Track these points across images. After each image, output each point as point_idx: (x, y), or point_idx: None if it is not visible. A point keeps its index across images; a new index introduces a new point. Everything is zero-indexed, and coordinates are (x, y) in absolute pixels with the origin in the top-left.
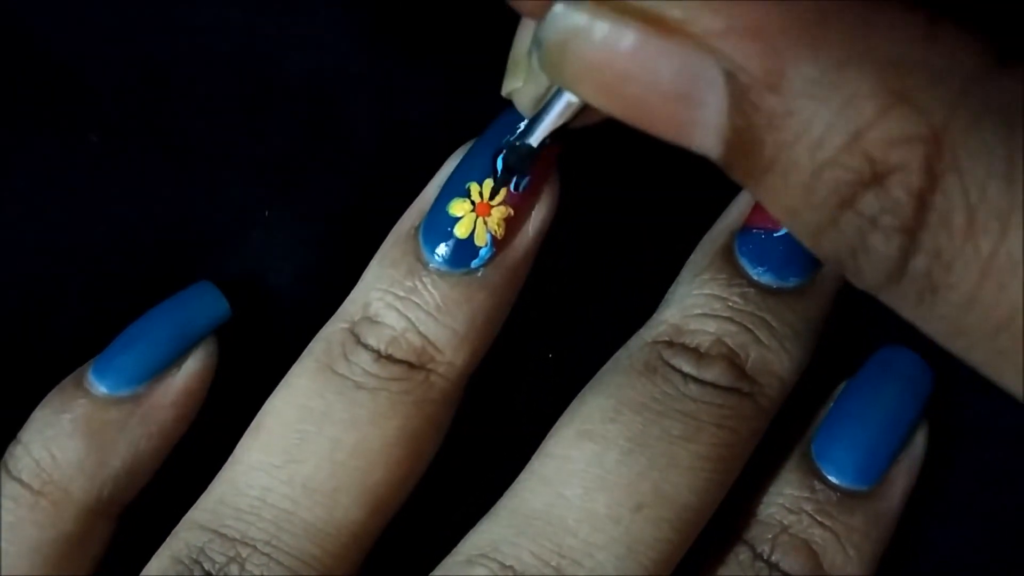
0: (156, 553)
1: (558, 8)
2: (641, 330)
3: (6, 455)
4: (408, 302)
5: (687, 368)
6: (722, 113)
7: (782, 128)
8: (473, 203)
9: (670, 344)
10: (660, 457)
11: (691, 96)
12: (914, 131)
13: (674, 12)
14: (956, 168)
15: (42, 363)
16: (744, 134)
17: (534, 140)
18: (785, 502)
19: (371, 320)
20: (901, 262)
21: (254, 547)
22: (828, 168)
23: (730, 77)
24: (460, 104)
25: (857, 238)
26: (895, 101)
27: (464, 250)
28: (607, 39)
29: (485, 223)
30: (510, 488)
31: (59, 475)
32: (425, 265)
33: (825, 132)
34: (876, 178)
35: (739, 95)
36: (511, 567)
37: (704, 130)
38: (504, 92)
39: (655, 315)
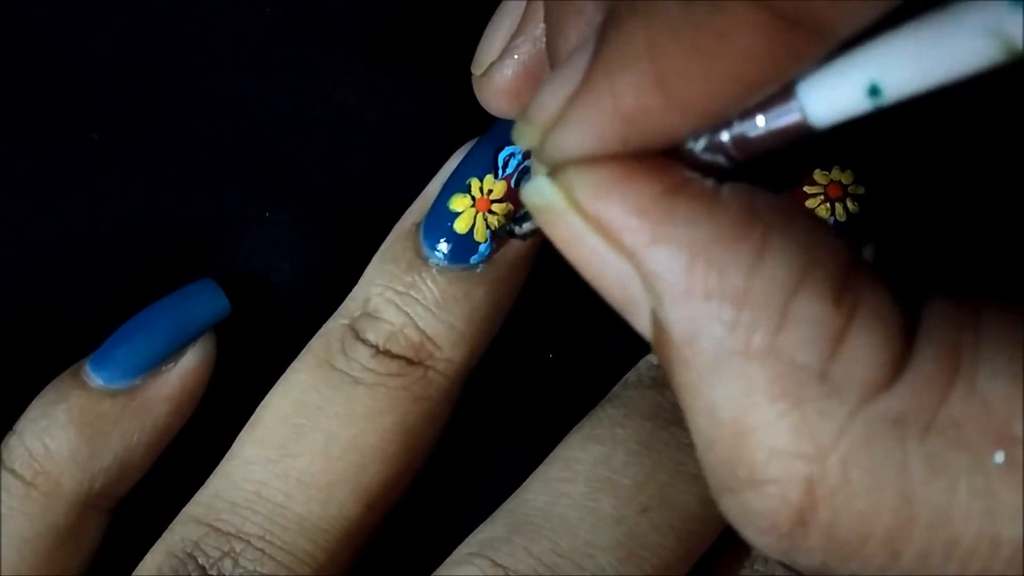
0: (153, 547)
1: (540, 181)
2: (649, 354)
3: (2, 445)
4: (407, 297)
5: None
6: (647, 330)
7: (687, 380)
8: (473, 199)
9: None
10: (668, 462)
11: (627, 305)
12: (799, 448)
13: (625, 238)
14: (841, 490)
15: (44, 359)
16: (661, 359)
17: (520, 232)
18: None
19: (370, 315)
20: (783, 556)
21: (248, 542)
22: (717, 447)
23: (653, 312)
24: (461, 105)
25: (741, 520)
26: (788, 409)
27: (464, 246)
28: (572, 229)
29: (485, 219)
30: (514, 492)
31: (51, 466)
32: (425, 261)
33: (719, 409)
34: (754, 483)
35: (657, 328)
36: (503, 565)
37: (639, 327)
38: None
39: None
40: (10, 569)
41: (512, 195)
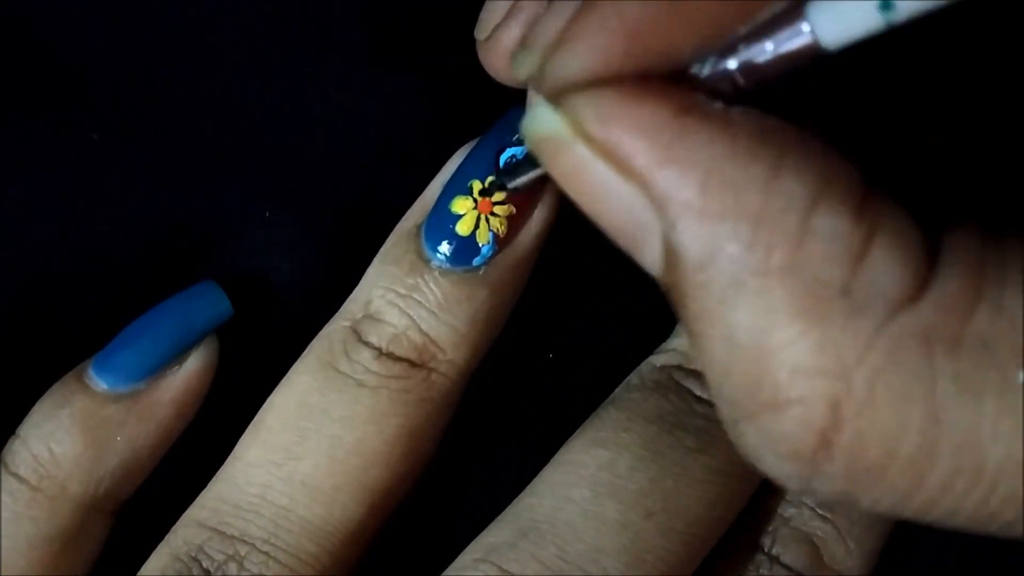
0: (155, 551)
1: (542, 110)
2: (651, 356)
3: (5, 450)
4: (409, 300)
5: (698, 391)
6: (657, 260)
7: (703, 306)
8: (475, 200)
9: (681, 368)
10: (673, 466)
11: (635, 236)
12: (823, 365)
13: (635, 161)
14: (866, 409)
15: (44, 360)
16: (672, 290)
17: (511, 184)
18: (786, 495)
19: (372, 318)
20: (803, 484)
21: (253, 545)
22: (736, 372)
23: (664, 240)
24: (462, 103)
25: (760, 448)
26: (810, 326)
27: (466, 248)
28: (577, 159)
29: (487, 221)
30: (517, 496)
31: (56, 470)
32: (427, 263)
33: (738, 332)
34: (776, 405)
35: (670, 255)
36: (509, 571)
37: (648, 259)
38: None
39: (666, 342)
40: (16, 571)
41: (514, 197)
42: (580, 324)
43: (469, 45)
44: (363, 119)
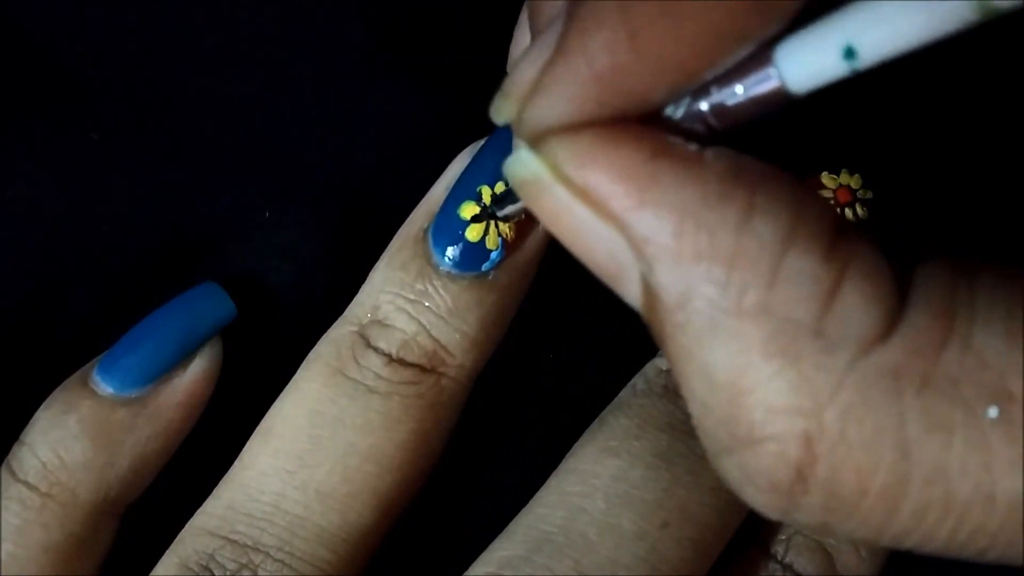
0: (161, 560)
1: (523, 154)
2: (656, 359)
3: (10, 456)
4: (419, 305)
5: None
6: (637, 299)
7: (681, 345)
8: (484, 206)
9: None
10: (685, 474)
11: (616, 275)
12: (796, 404)
13: (612, 204)
14: (838, 445)
15: (44, 362)
16: (652, 327)
17: (501, 213)
18: None
19: (381, 323)
20: (783, 515)
21: (267, 553)
22: (714, 409)
23: (643, 279)
24: (462, 104)
25: (741, 481)
26: (784, 366)
27: (475, 253)
28: (557, 201)
29: (497, 227)
30: (527, 505)
31: (66, 477)
32: (435, 268)
33: (715, 371)
34: (752, 441)
35: (649, 295)
36: None
37: (630, 297)
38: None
39: None
40: None
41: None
42: (580, 323)
43: (469, 45)
44: (363, 119)
